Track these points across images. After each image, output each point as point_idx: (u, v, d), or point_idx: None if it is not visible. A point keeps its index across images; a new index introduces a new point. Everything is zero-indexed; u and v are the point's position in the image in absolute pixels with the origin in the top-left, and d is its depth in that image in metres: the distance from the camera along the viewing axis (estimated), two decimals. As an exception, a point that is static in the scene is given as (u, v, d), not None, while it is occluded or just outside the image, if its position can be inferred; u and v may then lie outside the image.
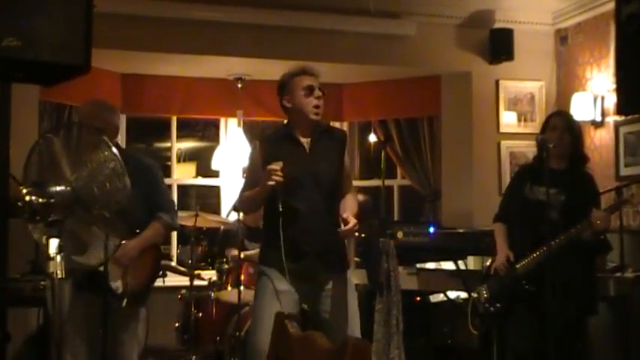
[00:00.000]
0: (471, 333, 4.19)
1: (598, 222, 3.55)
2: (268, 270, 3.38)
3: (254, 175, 3.40)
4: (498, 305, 3.88)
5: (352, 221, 3.27)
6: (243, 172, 6.47)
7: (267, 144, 3.44)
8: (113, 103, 3.72)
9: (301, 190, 3.32)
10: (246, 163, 6.20)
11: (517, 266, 3.77)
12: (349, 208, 3.41)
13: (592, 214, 3.57)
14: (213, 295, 5.06)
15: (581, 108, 5.56)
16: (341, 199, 3.50)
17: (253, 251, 5.09)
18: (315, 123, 3.40)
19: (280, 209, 3.23)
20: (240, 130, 6.31)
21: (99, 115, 3.50)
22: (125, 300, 3.40)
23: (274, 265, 3.35)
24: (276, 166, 3.20)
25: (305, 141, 3.41)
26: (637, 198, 3.62)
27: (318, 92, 3.38)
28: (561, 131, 3.77)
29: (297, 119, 3.42)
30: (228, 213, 5.01)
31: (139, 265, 3.50)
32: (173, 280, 5.32)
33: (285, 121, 3.54)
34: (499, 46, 5.96)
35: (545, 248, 3.59)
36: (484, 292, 3.95)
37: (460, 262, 4.97)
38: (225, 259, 5.25)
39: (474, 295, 4.06)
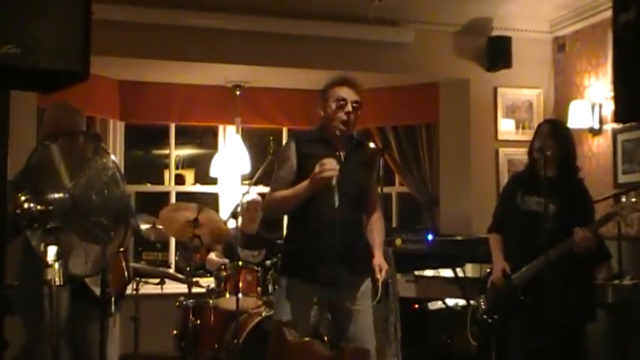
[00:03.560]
0: (468, 340, 4.19)
1: (580, 241, 3.54)
2: (291, 280, 3.39)
3: (287, 174, 3.37)
4: (496, 317, 3.88)
5: (384, 269, 3.32)
6: (243, 179, 6.49)
7: (304, 144, 3.41)
8: (78, 106, 3.66)
9: (328, 199, 3.28)
10: (247, 166, 6.23)
11: (513, 278, 3.77)
12: (379, 247, 3.42)
13: (574, 233, 3.56)
14: (211, 302, 5.05)
15: (579, 115, 5.57)
16: (366, 211, 3.54)
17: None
18: (344, 135, 3.39)
19: (336, 204, 3.14)
20: (239, 138, 6.31)
21: (67, 119, 3.47)
22: (112, 306, 3.43)
23: (298, 274, 3.37)
24: (332, 160, 3.21)
25: (341, 149, 3.43)
26: (626, 211, 3.57)
27: (348, 107, 3.37)
28: (546, 135, 3.76)
29: (328, 128, 3.43)
30: (226, 220, 5.00)
31: (113, 271, 3.51)
32: (171, 287, 5.32)
33: (318, 127, 3.53)
34: (497, 53, 5.97)
35: (539, 260, 3.59)
36: (482, 303, 3.95)
37: (458, 270, 4.98)
38: (223, 266, 5.24)
39: (473, 303, 4.06)
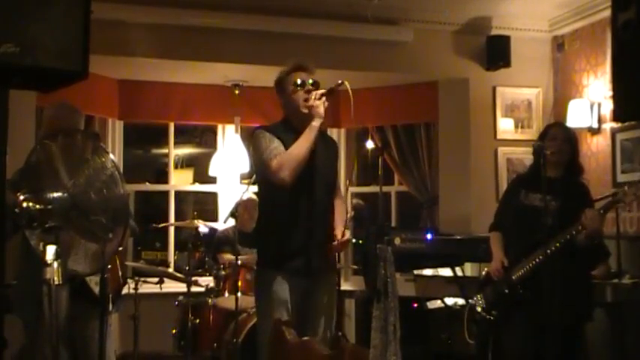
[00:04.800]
0: (467, 339, 4.19)
1: (589, 221, 3.56)
2: (269, 272, 3.38)
3: (279, 144, 3.32)
4: (494, 313, 3.88)
5: (347, 235, 3.36)
6: (242, 178, 6.48)
7: (273, 135, 3.38)
8: (77, 105, 3.67)
9: (306, 187, 3.34)
10: (246, 165, 6.24)
11: (512, 273, 3.78)
12: (341, 221, 3.46)
13: (583, 215, 3.59)
14: (210, 301, 5.05)
15: (578, 115, 5.57)
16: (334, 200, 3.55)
17: (246, 256, 5.08)
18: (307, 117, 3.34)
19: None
20: (238, 137, 6.31)
21: (66, 118, 3.47)
22: (110, 303, 3.44)
23: (275, 265, 3.37)
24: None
25: None
26: (629, 197, 3.63)
27: (308, 86, 3.39)
28: (561, 141, 3.81)
29: (293, 116, 3.42)
30: (225, 219, 5.00)
31: (109, 270, 3.51)
32: (170, 286, 5.32)
33: (282, 118, 3.52)
34: (496, 52, 5.98)
35: (540, 255, 3.60)
36: (480, 300, 3.96)
37: (457, 269, 4.97)
38: (222, 265, 5.24)
39: (471, 301, 4.06)
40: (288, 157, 3.25)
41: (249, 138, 3.57)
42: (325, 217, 3.43)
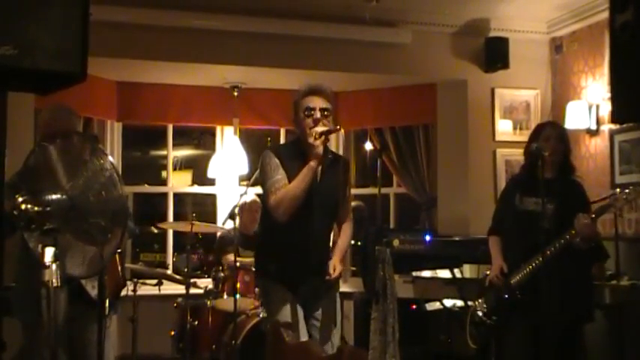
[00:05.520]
0: (467, 342, 4.19)
1: (581, 227, 3.56)
2: (272, 284, 3.44)
3: (284, 176, 3.38)
4: (495, 318, 3.88)
5: (338, 270, 3.41)
6: (240, 180, 6.48)
7: (280, 158, 3.42)
8: (76, 107, 3.67)
9: (307, 213, 3.36)
10: (245, 167, 6.24)
11: (511, 278, 3.78)
12: (340, 251, 3.51)
13: (576, 221, 3.59)
14: (209, 303, 5.05)
15: (576, 116, 5.57)
16: (337, 222, 3.59)
17: (249, 260, 5.08)
18: (318, 144, 3.37)
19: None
20: (237, 139, 6.31)
21: (62, 120, 3.47)
22: (107, 307, 3.44)
23: (278, 279, 3.41)
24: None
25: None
26: (620, 202, 3.64)
27: (317, 114, 3.39)
28: (555, 141, 3.80)
29: (302, 138, 3.45)
30: (224, 221, 5.00)
31: (109, 272, 3.51)
32: (169, 288, 5.32)
33: (294, 139, 3.57)
34: (494, 54, 5.98)
35: (538, 259, 3.60)
36: (481, 305, 3.96)
37: (456, 270, 4.97)
38: (221, 267, 5.24)
39: (472, 305, 4.06)
40: (285, 196, 3.33)
41: (259, 156, 3.59)
42: (323, 240, 3.47)
